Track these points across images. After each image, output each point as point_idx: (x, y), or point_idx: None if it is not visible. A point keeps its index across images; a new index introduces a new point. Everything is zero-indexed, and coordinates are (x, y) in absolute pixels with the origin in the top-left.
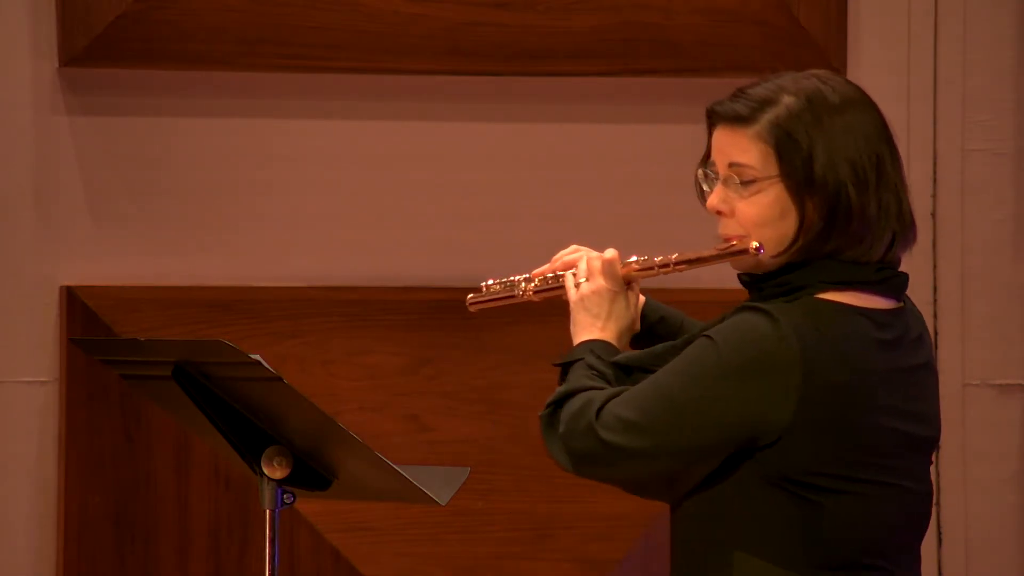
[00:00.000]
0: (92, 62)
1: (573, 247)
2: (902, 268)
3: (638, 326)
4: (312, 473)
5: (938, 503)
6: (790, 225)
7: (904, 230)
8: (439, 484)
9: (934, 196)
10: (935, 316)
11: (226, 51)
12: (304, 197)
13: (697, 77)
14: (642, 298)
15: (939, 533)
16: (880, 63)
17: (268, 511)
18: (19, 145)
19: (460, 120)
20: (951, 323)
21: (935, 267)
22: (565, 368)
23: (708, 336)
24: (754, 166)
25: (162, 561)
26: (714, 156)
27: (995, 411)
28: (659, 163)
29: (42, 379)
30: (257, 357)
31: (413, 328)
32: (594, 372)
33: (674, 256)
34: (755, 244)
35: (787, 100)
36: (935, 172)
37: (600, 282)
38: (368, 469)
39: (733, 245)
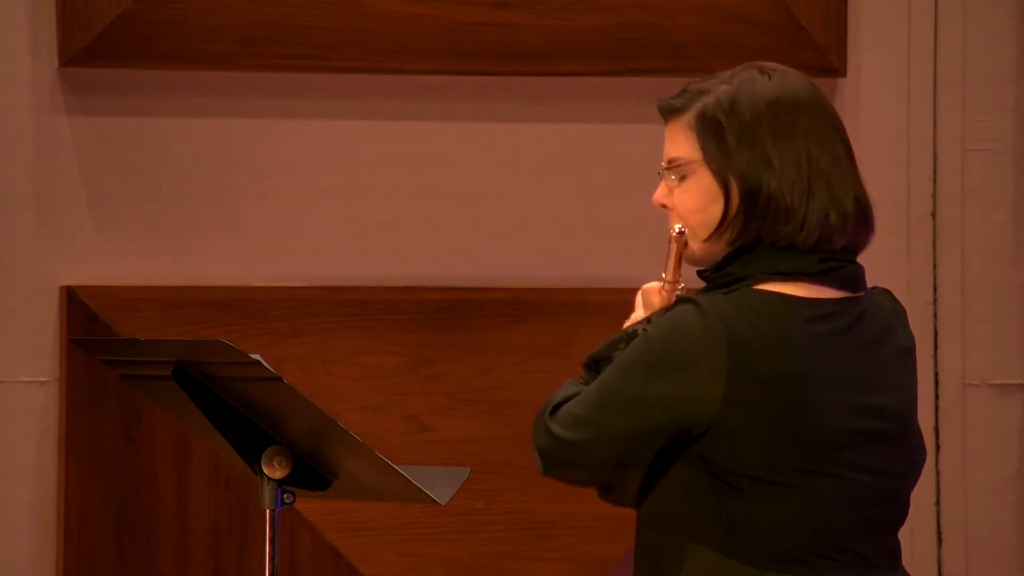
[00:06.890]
0: (92, 62)
1: None
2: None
3: None
4: (312, 473)
5: (938, 503)
6: (718, 210)
7: (843, 217)
8: (439, 484)
9: (934, 197)
10: (935, 316)
11: (226, 51)
12: (304, 197)
13: (697, 77)
14: None
15: (939, 533)
16: (880, 63)
17: (268, 511)
18: (19, 145)
19: (460, 120)
20: (951, 323)
21: (935, 268)
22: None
23: (645, 330)
24: (683, 155)
25: (162, 561)
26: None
27: (995, 411)
28: (659, 163)
29: (42, 379)
30: (257, 357)
31: (413, 328)
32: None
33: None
34: (677, 227)
35: (720, 89)
36: (935, 173)
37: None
38: (368, 469)
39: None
